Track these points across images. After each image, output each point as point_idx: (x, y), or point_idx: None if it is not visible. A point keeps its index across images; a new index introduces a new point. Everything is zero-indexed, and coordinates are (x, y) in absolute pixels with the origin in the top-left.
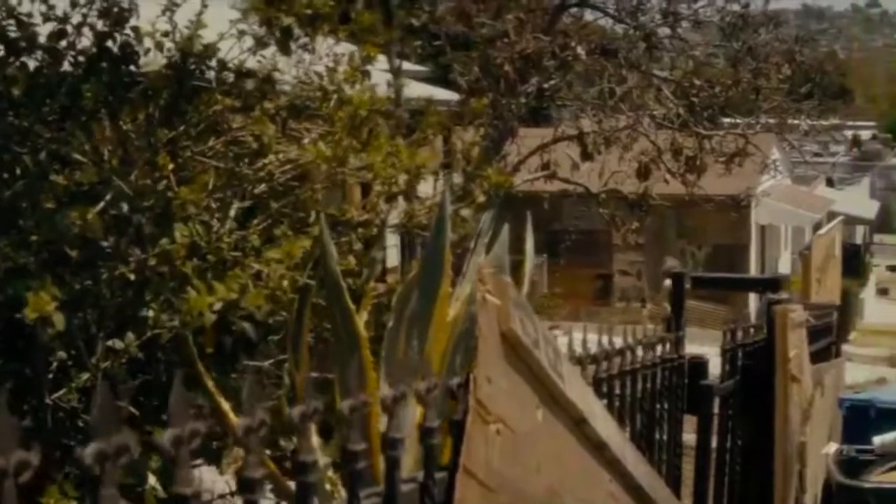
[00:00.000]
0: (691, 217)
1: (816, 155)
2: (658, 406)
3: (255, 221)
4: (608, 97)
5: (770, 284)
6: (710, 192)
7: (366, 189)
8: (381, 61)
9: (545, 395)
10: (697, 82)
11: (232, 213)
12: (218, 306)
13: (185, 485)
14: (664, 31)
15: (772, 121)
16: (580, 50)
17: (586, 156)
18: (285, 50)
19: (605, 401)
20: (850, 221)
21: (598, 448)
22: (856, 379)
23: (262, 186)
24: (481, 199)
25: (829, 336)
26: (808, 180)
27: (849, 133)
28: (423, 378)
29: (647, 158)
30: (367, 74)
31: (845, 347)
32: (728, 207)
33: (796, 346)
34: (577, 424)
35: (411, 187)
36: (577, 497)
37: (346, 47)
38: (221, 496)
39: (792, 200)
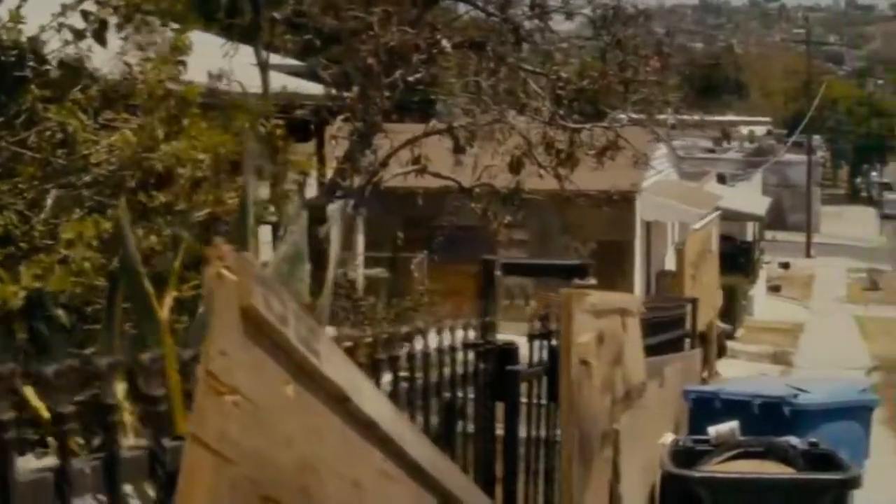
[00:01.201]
0: (576, 213)
1: (710, 151)
2: (464, 391)
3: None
4: (474, 91)
5: (576, 270)
6: (593, 187)
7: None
8: (249, 54)
9: (297, 371)
10: (564, 75)
11: (49, 202)
12: (23, 293)
13: None
14: (539, 24)
15: (635, 115)
16: (445, 43)
17: (458, 150)
18: (101, 41)
19: (391, 383)
20: (740, 218)
21: (366, 426)
22: (737, 375)
23: (85, 176)
24: (290, 186)
25: (681, 329)
26: (698, 176)
27: (744, 129)
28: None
29: (519, 152)
30: (182, 64)
31: (731, 344)
32: (613, 203)
33: (590, 331)
34: (339, 402)
35: (216, 172)
36: (339, 473)
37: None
38: None
39: (678, 196)
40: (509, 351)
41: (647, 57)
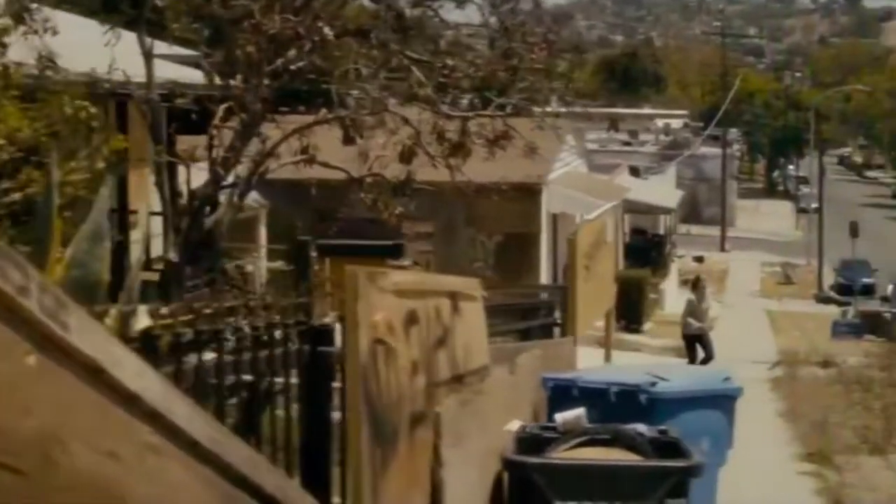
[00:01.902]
0: (482, 205)
1: (626, 144)
2: (274, 370)
3: None
4: (357, 79)
5: (391, 251)
6: (498, 179)
7: None
8: (133, 41)
9: (41, 343)
10: (450, 62)
11: None
12: None
13: None
14: (425, 11)
15: (522, 104)
16: (328, 31)
17: (348, 140)
18: None
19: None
20: (651, 211)
21: (127, 399)
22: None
23: None
24: (101, 165)
25: (548, 317)
26: (610, 169)
27: (661, 122)
28: None
29: (410, 142)
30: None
31: (636, 338)
32: (519, 195)
33: (393, 311)
34: (94, 374)
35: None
36: (92, 444)
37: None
38: None
39: (585, 188)
40: (324, 332)
41: (533, 44)
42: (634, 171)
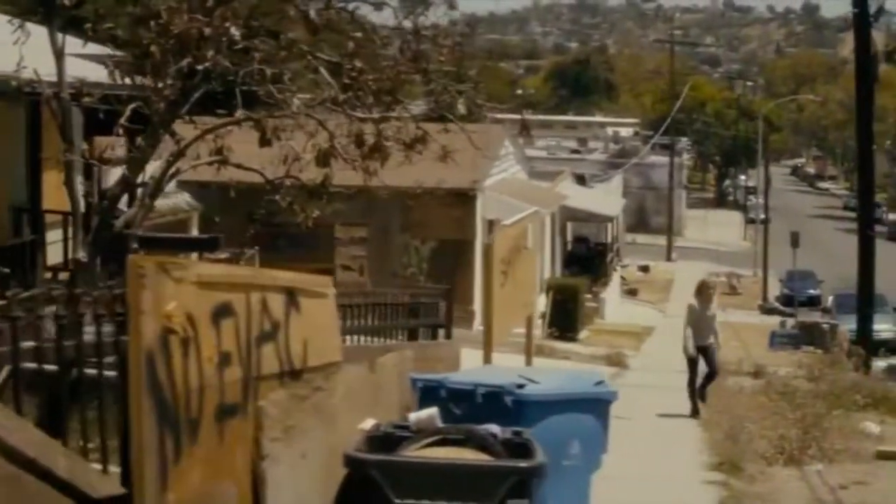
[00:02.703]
0: (418, 211)
1: (574, 152)
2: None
3: None
4: (261, 80)
5: (208, 244)
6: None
7: None
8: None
9: None
10: (358, 64)
11: None
12: None
13: None
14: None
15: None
16: (234, 31)
17: (264, 142)
18: None
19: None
20: (592, 219)
21: None
22: None
23: None
24: None
25: (428, 317)
26: (552, 176)
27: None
28: None
29: (326, 145)
30: None
31: (569, 346)
32: (454, 201)
33: (195, 302)
34: None
35: None
36: None
37: None
38: None
39: (522, 195)
40: None
41: (444, 47)
42: (580, 179)
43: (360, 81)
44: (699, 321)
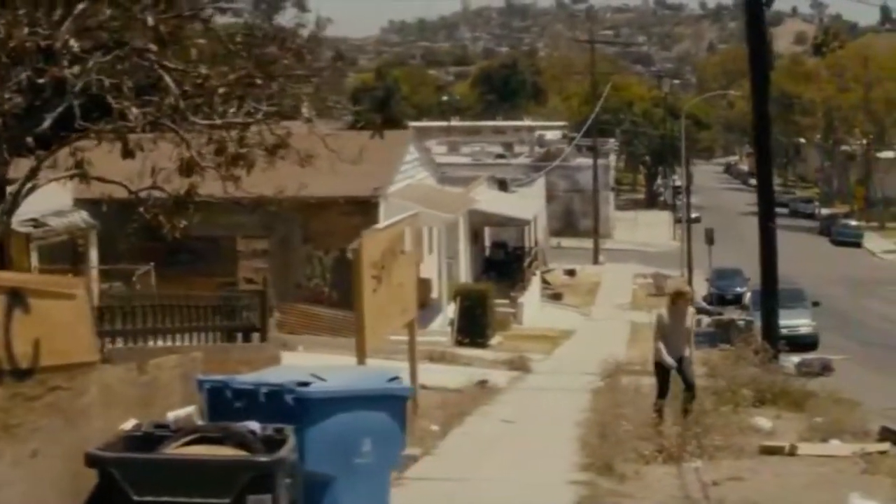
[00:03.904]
0: (320, 221)
1: (500, 157)
2: None
3: None
4: (100, 91)
5: None
6: (334, 193)
7: None
8: None
9: None
10: (204, 71)
11: None
12: None
13: None
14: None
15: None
16: (73, 43)
17: (127, 154)
18: None
19: None
20: (507, 223)
21: None
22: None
23: None
24: None
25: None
26: (468, 181)
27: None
28: None
29: (188, 154)
30: None
31: (475, 352)
32: (356, 209)
33: None
34: None
35: None
36: None
37: None
38: None
39: (428, 201)
40: None
41: (288, 51)
42: (502, 184)
43: (206, 88)
44: (672, 332)
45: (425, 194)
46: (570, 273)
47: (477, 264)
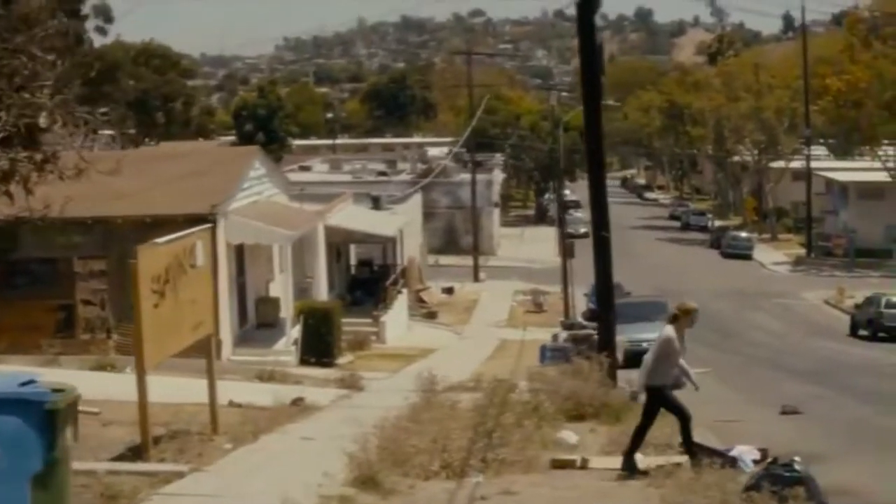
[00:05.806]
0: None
1: (381, 174)
2: None
3: None
4: None
5: None
6: (172, 211)
7: None
8: None
9: None
10: None
11: None
12: None
13: None
14: None
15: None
16: None
17: None
18: None
19: None
20: (369, 240)
21: None
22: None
23: None
24: None
25: None
26: (328, 198)
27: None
28: None
29: None
30: None
31: (303, 371)
32: (193, 226)
33: None
34: None
35: None
36: None
37: None
38: None
39: (272, 219)
40: None
41: (54, 51)
42: (375, 201)
43: None
44: (664, 356)
45: (272, 211)
46: (449, 291)
47: (342, 283)
